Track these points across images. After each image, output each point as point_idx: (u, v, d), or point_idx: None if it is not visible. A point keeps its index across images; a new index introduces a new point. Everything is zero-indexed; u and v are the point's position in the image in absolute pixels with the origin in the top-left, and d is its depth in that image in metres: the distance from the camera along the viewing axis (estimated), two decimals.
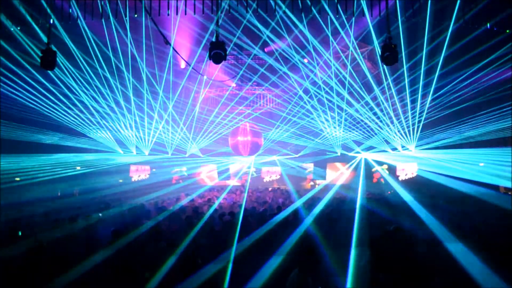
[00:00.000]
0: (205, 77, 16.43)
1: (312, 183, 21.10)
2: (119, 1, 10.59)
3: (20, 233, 7.32)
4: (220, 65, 8.93)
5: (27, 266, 4.79)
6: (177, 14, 11.40)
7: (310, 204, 10.31)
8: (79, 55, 13.22)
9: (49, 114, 14.98)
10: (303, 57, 15.04)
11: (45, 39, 10.01)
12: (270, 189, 18.25)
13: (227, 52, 7.46)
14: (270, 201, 12.86)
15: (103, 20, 10.86)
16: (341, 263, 4.80)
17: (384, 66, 10.90)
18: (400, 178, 18.27)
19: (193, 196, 13.38)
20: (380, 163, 19.18)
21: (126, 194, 14.72)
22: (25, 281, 4.50)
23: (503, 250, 5.23)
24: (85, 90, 14.80)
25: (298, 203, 10.09)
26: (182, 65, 17.08)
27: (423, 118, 15.70)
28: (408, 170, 18.63)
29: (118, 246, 5.41)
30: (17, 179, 15.25)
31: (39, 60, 7.81)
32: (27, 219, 8.52)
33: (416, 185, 15.85)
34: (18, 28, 11.79)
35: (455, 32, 11.77)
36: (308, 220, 7.19)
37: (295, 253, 5.05)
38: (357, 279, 4.49)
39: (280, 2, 10.60)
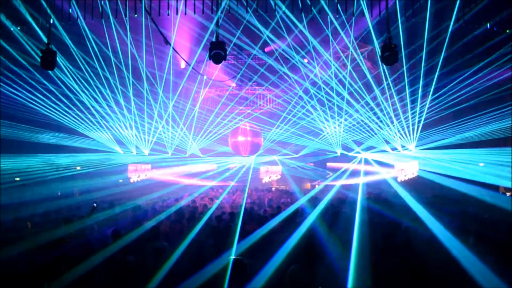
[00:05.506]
0: (205, 77, 16.42)
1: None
2: (119, 1, 10.60)
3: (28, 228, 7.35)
4: (220, 65, 8.93)
5: (24, 268, 4.77)
6: (177, 14, 11.39)
7: (312, 203, 10.33)
8: (79, 55, 13.22)
9: (49, 114, 14.98)
10: (303, 57, 15.03)
11: (45, 39, 10.02)
12: (273, 189, 18.27)
13: (227, 52, 7.46)
14: (270, 201, 12.87)
15: (103, 20, 10.86)
16: (343, 261, 4.80)
17: (384, 66, 10.90)
18: (399, 179, 18.22)
19: (193, 196, 13.41)
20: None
21: (126, 194, 14.74)
22: (23, 283, 4.47)
23: (503, 250, 5.23)
24: (85, 90, 14.80)
25: (301, 201, 10.13)
26: (182, 65, 17.07)
27: (423, 118, 15.69)
28: (408, 170, 18.55)
29: (116, 247, 5.39)
30: (17, 179, 15.24)
31: (39, 60, 7.82)
32: (26, 220, 8.51)
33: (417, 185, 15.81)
34: (18, 28, 11.79)
35: (455, 32, 11.77)
36: (311, 219, 7.18)
37: (296, 251, 5.03)
38: (359, 278, 4.49)
39: (280, 2, 10.60)
